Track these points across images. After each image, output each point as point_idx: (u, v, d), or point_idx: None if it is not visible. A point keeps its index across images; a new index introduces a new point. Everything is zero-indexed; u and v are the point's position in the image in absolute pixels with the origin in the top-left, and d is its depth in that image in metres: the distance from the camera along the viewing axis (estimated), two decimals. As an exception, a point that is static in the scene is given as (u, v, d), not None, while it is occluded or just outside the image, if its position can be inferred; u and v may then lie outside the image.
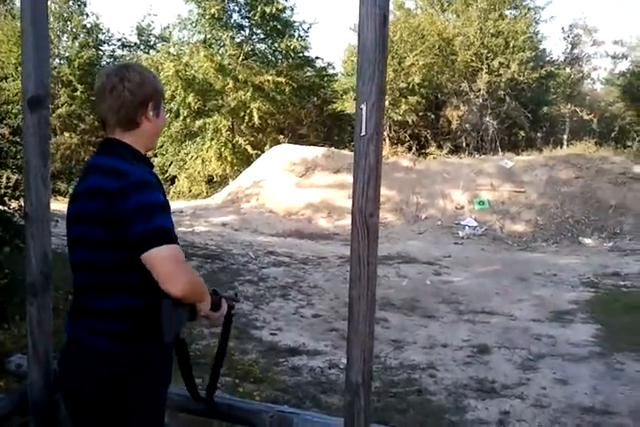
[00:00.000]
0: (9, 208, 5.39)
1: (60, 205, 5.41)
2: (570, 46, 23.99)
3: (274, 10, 20.41)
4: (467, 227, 14.00)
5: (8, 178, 5.70)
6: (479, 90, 21.30)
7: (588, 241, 13.03)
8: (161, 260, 1.66)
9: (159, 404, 1.94)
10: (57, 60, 23.26)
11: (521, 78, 21.18)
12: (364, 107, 2.20)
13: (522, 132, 22.48)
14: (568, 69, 23.88)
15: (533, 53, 21.63)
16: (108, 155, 1.81)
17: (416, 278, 9.08)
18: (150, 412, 1.88)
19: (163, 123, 1.97)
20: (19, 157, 5.71)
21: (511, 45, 21.28)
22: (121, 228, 1.68)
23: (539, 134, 23.37)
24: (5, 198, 5.32)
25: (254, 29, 21.84)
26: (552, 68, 22.50)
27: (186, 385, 2.21)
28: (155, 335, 1.79)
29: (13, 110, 11.13)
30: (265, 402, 3.56)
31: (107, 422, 1.83)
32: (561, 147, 20.23)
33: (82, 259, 1.83)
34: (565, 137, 22.71)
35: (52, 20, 22.55)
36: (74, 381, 1.84)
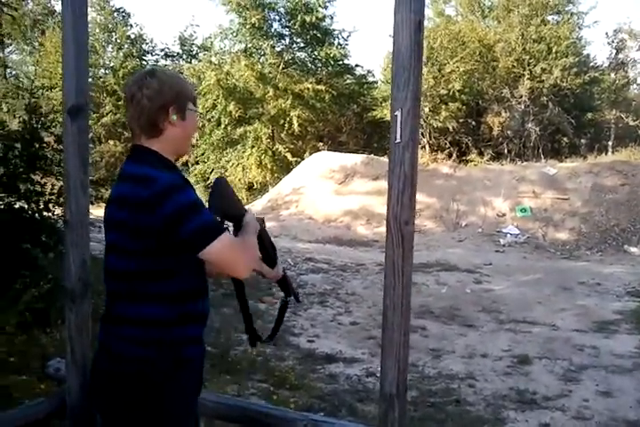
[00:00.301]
0: (53, 214, 5.50)
1: (103, 212, 5.51)
2: (614, 51, 23.53)
3: (314, 19, 20.52)
4: (508, 234, 13.80)
5: (52, 185, 5.83)
6: (521, 96, 21.01)
7: (633, 250, 12.71)
8: (218, 255, 1.69)
9: (190, 411, 1.93)
10: (102, 70, 23.81)
11: (564, 84, 20.84)
12: (398, 113, 2.18)
13: (565, 139, 22.08)
14: (613, 75, 23.41)
15: (577, 59, 21.28)
16: (137, 162, 1.81)
17: (456, 286, 8.97)
18: (181, 419, 1.88)
19: (192, 125, 1.93)
20: (62, 164, 5.84)
21: (554, 51, 20.96)
22: (155, 236, 1.68)
23: (583, 141, 22.93)
24: (50, 205, 5.42)
25: (294, 38, 21.99)
26: (596, 74, 22.10)
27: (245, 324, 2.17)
28: (184, 342, 1.82)
29: (58, 119, 11.39)
30: (300, 410, 3.56)
31: None
32: (606, 153, 19.81)
33: (112, 266, 1.84)
34: (610, 143, 22.23)
35: (97, 31, 23.13)
36: (104, 387, 1.85)
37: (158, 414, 1.79)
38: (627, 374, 5.25)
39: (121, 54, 23.60)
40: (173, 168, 1.86)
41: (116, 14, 24.21)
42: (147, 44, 24.93)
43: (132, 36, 24.17)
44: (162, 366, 1.78)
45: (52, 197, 5.58)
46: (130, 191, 1.72)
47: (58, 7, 25.92)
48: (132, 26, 24.51)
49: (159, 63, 25.31)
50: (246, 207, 2.06)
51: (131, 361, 1.78)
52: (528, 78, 20.76)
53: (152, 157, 1.82)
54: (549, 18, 22.60)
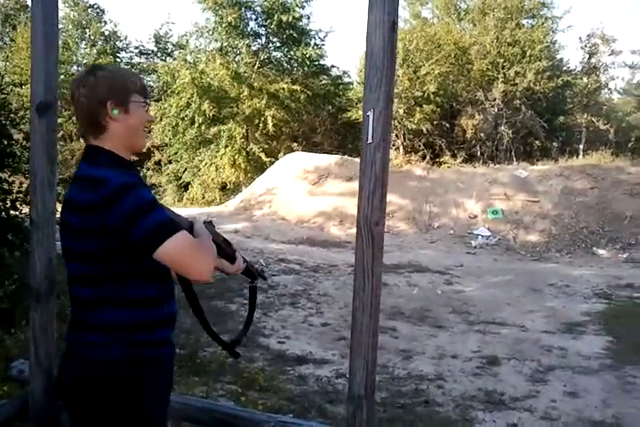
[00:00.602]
0: (20, 213, 5.40)
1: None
2: (587, 56, 23.88)
3: (290, 18, 20.48)
4: (480, 236, 13.91)
5: (21, 183, 5.73)
6: (495, 99, 21.22)
7: (602, 252, 12.89)
8: (175, 254, 1.63)
9: (160, 412, 1.90)
10: (75, 67, 23.51)
11: (537, 88, 21.10)
12: (370, 114, 2.18)
13: (537, 142, 22.34)
14: (585, 79, 23.75)
15: (550, 63, 21.55)
16: (89, 164, 1.77)
17: (427, 288, 9.02)
18: (151, 421, 1.85)
19: (138, 118, 1.83)
20: (30, 162, 5.74)
21: (528, 55, 21.21)
22: (111, 239, 1.64)
23: (554, 144, 23.21)
24: (17, 203, 5.33)
25: (270, 38, 21.94)
26: (569, 78, 22.39)
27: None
28: (151, 345, 1.79)
29: (28, 116, 11.23)
30: (269, 411, 3.53)
31: None
32: (577, 157, 20.09)
33: (73, 271, 1.79)
34: (581, 147, 22.55)
35: (70, 27, 22.84)
36: (71, 390, 1.81)
37: (128, 416, 1.76)
38: (593, 375, 5.31)
39: (94, 51, 23.33)
40: (128, 167, 1.81)
41: (90, 10, 23.94)
42: (121, 41, 24.72)
43: (106, 33, 23.93)
44: (128, 367, 1.74)
45: (20, 195, 5.49)
46: (81, 195, 1.68)
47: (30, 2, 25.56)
48: (106, 22, 24.30)
49: (133, 61, 25.12)
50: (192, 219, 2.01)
51: (96, 364, 1.75)
52: (502, 81, 20.98)
53: (104, 156, 1.77)
54: (524, 22, 22.89)
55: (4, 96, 6.00)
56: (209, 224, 1.97)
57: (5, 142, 5.51)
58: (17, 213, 5.40)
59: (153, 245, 1.60)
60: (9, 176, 5.61)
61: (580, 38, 24.36)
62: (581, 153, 21.50)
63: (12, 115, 5.83)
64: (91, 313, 1.76)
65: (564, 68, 23.73)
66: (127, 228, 1.60)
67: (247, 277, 2.20)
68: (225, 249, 1.98)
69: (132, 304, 1.74)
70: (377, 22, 2.16)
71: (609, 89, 26.30)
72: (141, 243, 1.62)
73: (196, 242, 1.71)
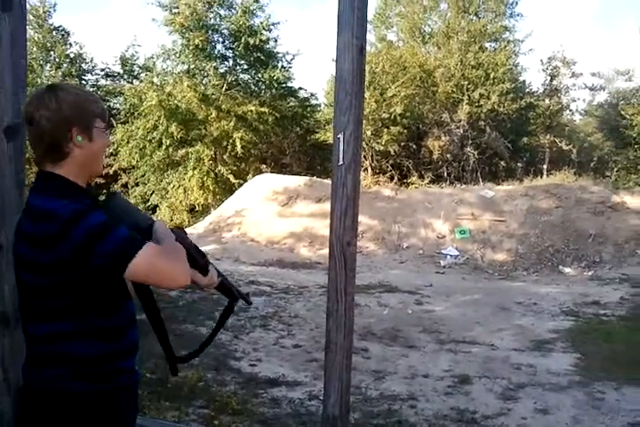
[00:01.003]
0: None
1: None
2: (549, 78, 24.50)
3: (257, 41, 20.64)
4: (448, 256, 14.03)
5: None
6: (460, 120, 21.61)
7: (568, 270, 13.09)
8: (147, 268, 1.57)
9: None
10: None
11: (501, 109, 21.57)
12: (340, 136, 2.22)
13: (502, 163, 22.77)
14: (547, 100, 24.33)
15: (513, 85, 22.09)
16: (40, 193, 1.69)
17: (397, 308, 9.04)
18: None
19: (101, 145, 1.77)
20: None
21: (491, 77, 21.70)
22: (69, 270, 1.58)
23: (519, 164, 23.67)
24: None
25: (238, 60, 22.05)
26: (531, 100, 22.96)
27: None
28: (115, 374, 1.75)
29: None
30: (242, 435, 3.50)
31: None
32: (541, 177, 20.49)
33: (29, 305, 1.72)
34: (545, 167, 23.02)
35: (34, 49, 22.65)
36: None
37: None
38: (563, 392, 5.37)
39: (60, 73, 23.15)
40: (81, 193, 1.72)
41: (54, 33, 23.80)
42: (86, 63, 24.56)
43: (72, 55, 23.78)
44: (93, 399, 1.70)
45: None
46: (32, 228, 1.62)
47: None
48: (71, 44, 24.14)
49: (99, 83, 24.98)
50: (151, 217, 1.90)
51: (59, 397, 1.69)
52: (467, 103, 21.40)
53: (56, 184, 1.69)
54: (487, 45, 23.46)
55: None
56: (179, 230, 1.85)
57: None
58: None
59: (121, 265, 1.55)
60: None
61: (541, 61, 24.96)
62: (545, 173, 21.95)
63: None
64: (49, 347, 1.69)
65: (527, 90, 24.32)
66: (87, 257, 1.55)
67: (226, 297, 2.04)
68: (195, 257, 1.82)
69: (92, 336, 1.69)
70: (346, 46, 2.21)
71: (570, 110, 27.00)
72: (108, 266, 1.56)
73: (164, 249, 1.63)
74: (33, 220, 1.63)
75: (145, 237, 1.68)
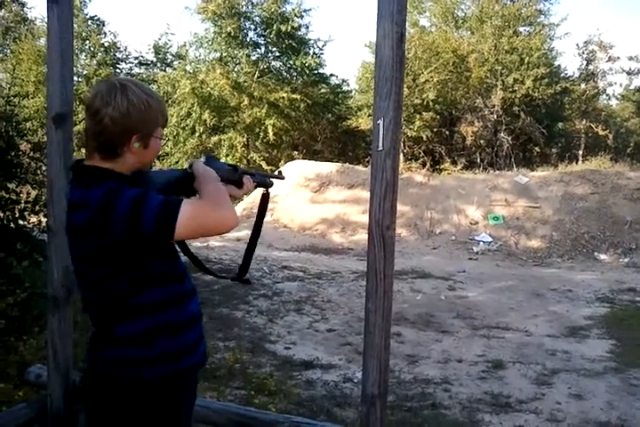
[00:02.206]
0: (28, 223, 5.47)
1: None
2: (585, 62, 24.06)
3: (289, 28, 20.65)
4: (481, 242, 13.97)
5: (28, 193, 5.80)
6: (494, 106, 21.38)
7: (603, 257, 12.95)
8: (193, 224, 1.58)
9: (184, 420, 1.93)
10: (75, 78, 23.61)
11: (536, 94, 21.25)
12: (380, 122, 2.25)
13: (536, 148, 22.49)
14: (583, 85, 23.91)
15: (548, 70, 21.72)
16: (78, 188, 1.70)
17: (430, 293, 9.07)
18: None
19: (153, 153, 1.77)
20: (39, 172, 5.82)
21: (526, 62, 21.38)
22: (122, 250, 1.62)
23: (554, 150, 23.36)
24: (25, 213, 5.39)
25: (270, 47, 22.09)
26: (567, 84, 22.56)
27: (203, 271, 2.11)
28: (178, 355, 1.78)
29: (33, 127, 11.31)
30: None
31: None
32: (576, 163, 20.21)
33: (90, 295, 1.78)
34: (580, 153, 22.68)
35: (70, 38, 22.94)
36: (96, 406, 1.82)
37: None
38: (597, 378, 5.36)
39: (94, 62, 23.46)
40: (114, 177, 1.70)
41: (90, 22, 24.10)
42: (120, 52, 24.83)
43: (106, 44, 24.05)
44: (155, 387, 1.75)
45: (28, 205, 5.55)
46: (80, 220, 1.64)
47: (31, 14, 25.73)
48: (105, 34, 24.41)
49: (133, 71, 25.22)
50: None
51: (123, 383, 1.74)
52: (501, 88, 21.14)
53: (90, 175, 1.69)
54: (521, 29, 23.08)
55: (11, 108, 6.08)
56: (211, 158, 1.95)
57: (13, 153, 5.58)
58: (25, 222, 5.47)
59: (168, 229, 1.56)
60: (16, 186, 5.69)
61: (577, 45, 24.56)
62: (580, 159, 21.64)
63: (19, 126, 5.92)
64: (113, 327, 1.74)
65: (562, 75, 23.90)
66: (135, 228, 1.56)
67: (260, 187, 2.26)
68: (230, 179, 1.99)
69: (154, 310, 1.73)
70: (386, 34, 2.23)
71: (607, 95, 26.49)
72: (156, 233, 1.57)
73: (205, 201, 1.67)
74: (79, 210, 1.65)
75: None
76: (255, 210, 16.39)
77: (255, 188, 2.20)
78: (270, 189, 2.32)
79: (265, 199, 2.25)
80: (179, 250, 1.88)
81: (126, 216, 1.55)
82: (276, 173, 2.58)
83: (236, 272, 2.17)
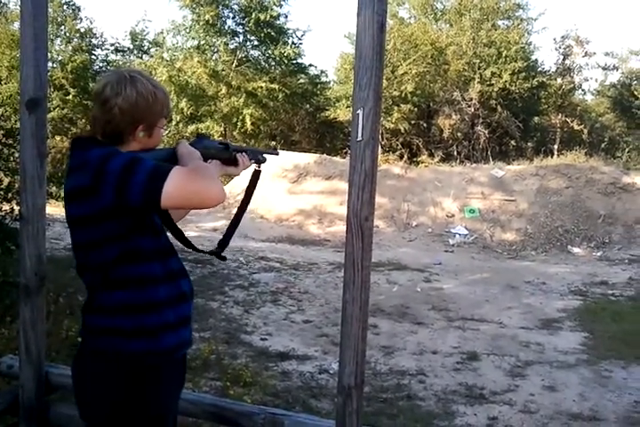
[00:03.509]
0: (0, 210, 5.37)
1: (51, 209, 5.41)
2: (561, 57, 24.17)
3: (268, 17, 20.46)
4: (457, 235, 14.06)
5: (0, 180, 5.70)
6: (471, 99, 21.44)
7: (577, 250, 13.11)
8: (180, 190, 1.58)
9: (172, 406, 1.92)
10: (50, 64, 23.23)
11: (513, 88, 21.36)
12: (360, 112, 2.23)
13: (513, 142, 22.64)
14: (559, 80, 24.04)
15: (525, 64, 21.81)
16: (77, 152, 1.75)
17: (406, 285, 9.11)
18: (161, 416, 1.85)
19: (156, 141, 1.87)
20: (12, 159, 5.71)
21: (503, 55, 21.46)
22: (113, 213, 1.65)
23: (529, 144, 23.51)
24: (-3, 201, 5.30)
25: (248, 36, 21.89)
26: (543, 79, 22.67)
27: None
28: (160, 329, 1.77)
29: (5, 113, 11.11)
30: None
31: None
32: (551, 157, 20.32)
33: (85, 260, 1.79)
34: (556, 147, 22.83)
35: (45, 23, 22.53)
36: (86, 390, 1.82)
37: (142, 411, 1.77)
38: (570, 370, 5.43)
39: (70, 48, 23.06)
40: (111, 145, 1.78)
41: (65, 7, 23.67)
42: (96, 38, 24.38)
43: (82, 30, 23.66)
44: (147, 360, 1.75)
45: (0, 192, 5.46)
46: (78, 181, 1.68)
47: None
48: (81, 19, 24.00)
49: (109, 58, 24.87)
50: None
51: (108, 354, 1.75)
52: (478, 82, 21.21)
53: (95, 142, 1.76)
54: (500, 23, 23.15)
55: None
56: (201, 137, 2.01)
57: (-16, 139, 5.48)
58: (-3, 210, 5.37)
59: (154, 195, 1.57)
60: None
61: (554, 40, 24.72)
62: (556, 153, 21.78)
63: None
64: (96, 294, 1.77)
65: (539, 69, 24.01)
66: (121, 198, 1.59)
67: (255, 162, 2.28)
68: (222, 157, 2.05)
69: (134, 284, 1.74)
70: (366, 23, 2.20)
71: (583, 90, 26.64)
72: (143, 199, 1.58)
73: (191, 170, 1.66)
74: (76, 174, 1.70)
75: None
76: (231, 200, 16.27)
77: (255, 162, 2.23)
78: (263, 166, 2.31)
79: (256, 176, 2.28)
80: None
81: (114, 185, 1.58)
82: (271, 149, 2.60)
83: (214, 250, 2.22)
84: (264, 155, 2.32)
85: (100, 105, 1.75)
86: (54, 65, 22.49)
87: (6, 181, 5.68)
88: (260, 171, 2.29)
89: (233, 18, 21.49)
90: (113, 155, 1.64)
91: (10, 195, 5.46)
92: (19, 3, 2.70)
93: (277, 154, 2.49)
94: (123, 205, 1.61)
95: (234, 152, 2.12)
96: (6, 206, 5.40)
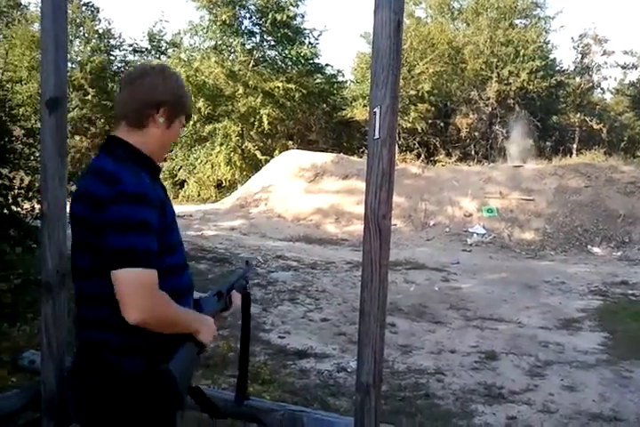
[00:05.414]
0: (22, 209, 5.43)
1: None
2: (580, 56, 24.01)
3: (284, 17, 20.52)
4: (475, 234, 13.99)
5: (22, 179, 5.76)
6: (488, 98, 21.35)
7: (596, 250, 13.00)
8: (122, 282, 1.54)
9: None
10: (69, 64, 23.41)
11: (530, 87, 21.23)
12: (377, 110, 2.23)
13: (531, 141, 22.49)
14: (578, 79, 23.88)
15: (543, 63, 21.69)
16: (106, 156, 1.73)
17: (424, 284, 9.08)
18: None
19: (173, 135, 1.85)
20: (32, 158, 5.77)
21: (521, 54, 21.34)
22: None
23: (548, 143, 23.35)
24: (19, 199, 5.36)
25: (265, 36, 21.96)
26: (562, 78, 22.54)
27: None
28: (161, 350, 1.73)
29: (26, 113, 11.22)
30: (274, 403, 3.58)
31: None
32: (570, 156, 20.20)
33: (79, 264, 1.75)
34: (575, 146, 22.67)
35: (64, 24, 22.78)
36: (81, 399, 1.84)
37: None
38: (590, 370, 5.39)
39: (88, 49, 23.28)
40: (146, 160, 1.77)
41: (84, 8, 23.90)
42: (115, 38, 24.65)
43: (100, 31, 23.88)
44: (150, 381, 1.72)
45: (22, 191, 5.51)
46: (93, 187, 1.64)
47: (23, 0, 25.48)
48: (100, 20, 24.23)
49: (127, 58, 25.07)
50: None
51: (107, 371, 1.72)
52: (496, 81, 21.11)
53: (121, 149, 1.73)
54: (517, 22, 23.02)
55: (3, 93, 6.03)
56: (197, 302, 1.95)
57: (6, 139, 5.54)
58: (18, 208, 5.43)
59: (113, 263, 1.55)
60: (9, 172, 5.64)
61: (572, 38, 24.53)
62: (575, 152, 21.62)
63: (11, 111, 5.87)
64: (97, 308, 1.71)
65: (557, 68, 23.87)
66: (105, 232, 1.58)
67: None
68: (222, 308, 2.08)
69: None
70: (383, 21, 2.20)
71: (601, 89, 26.46)
72: (107, 254, 1.57)
73: (151, 287, 1.58)
74: (98, 179, 1.65)
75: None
76: (249, 200, 16.32)
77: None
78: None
79: (247, 300, 2.27)
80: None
81: (112, 222, 1.57)
82: (243, 262, 2.53)
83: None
84: (246, 276, 2.34)
85: (127, 85, 1.78)
86: (73, 66, 22.71)
87: (27, 179, 5.73)
88: (248, 293, 2.26)
89: (250, 18, 21.59)
90: (139, 201, 1.59)
91: (30, 193, 5.52)
92: (39, 4, 2.72)
93: (252, 266, 2.47)
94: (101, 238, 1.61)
95: (227, 295, 2.12)
96: (27, 205, 5.46)
